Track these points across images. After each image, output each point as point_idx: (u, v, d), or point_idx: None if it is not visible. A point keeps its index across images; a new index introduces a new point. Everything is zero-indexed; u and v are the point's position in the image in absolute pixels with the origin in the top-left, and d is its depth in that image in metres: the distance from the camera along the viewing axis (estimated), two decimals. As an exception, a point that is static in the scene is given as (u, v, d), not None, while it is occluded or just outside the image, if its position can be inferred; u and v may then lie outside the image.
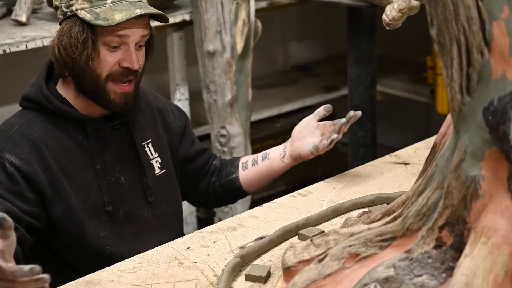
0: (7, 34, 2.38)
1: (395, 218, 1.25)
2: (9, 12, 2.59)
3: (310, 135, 1.85)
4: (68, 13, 1.64)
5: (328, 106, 1.88)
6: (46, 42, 2.34)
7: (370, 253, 1.23)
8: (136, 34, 1.65)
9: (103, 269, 1.49)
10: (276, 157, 1.90)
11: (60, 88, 1.71)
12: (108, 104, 1.68)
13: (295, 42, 4.07)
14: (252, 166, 1.93)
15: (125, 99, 1.69)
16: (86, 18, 1.61)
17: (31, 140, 1.64)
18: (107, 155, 1.72)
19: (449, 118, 1.24)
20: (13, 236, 1.18)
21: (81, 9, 1.62)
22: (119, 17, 1.60)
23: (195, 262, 1.50)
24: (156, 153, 1.81)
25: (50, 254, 1.71)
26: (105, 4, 1.62)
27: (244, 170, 1.95)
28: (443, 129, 1.26)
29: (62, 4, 1.65)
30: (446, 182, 1.13)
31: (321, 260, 1.26)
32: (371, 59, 2.75)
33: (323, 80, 3.78)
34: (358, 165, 2.02)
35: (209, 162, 1.98)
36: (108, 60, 1.65)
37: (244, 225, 1.65)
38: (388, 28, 2.06)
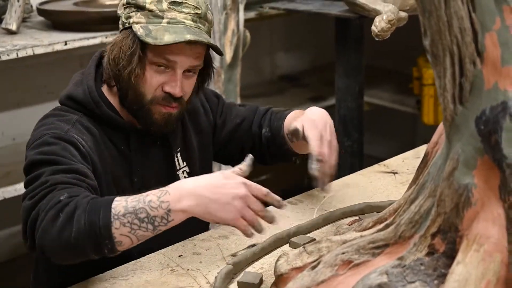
0: (-3, 42, 2.39)
1: (387, 226, 1.27)
2: (-1, 20, 2.60)
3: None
4: (126, 24, 1.60)
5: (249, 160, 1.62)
6: (37, 50, 2.36)
7: (363, 260, 1.24)
8: (184, 61, 1.60)
9: (95, 276, 1.49)
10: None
11: (106, 92, 1.67)
12: (150, 123, 1.64)
13: (282, 53, 4.10)
14: (292, 143, 1.82)
15: (166, 120, 1.64)
16: (138, 33, 1.57)
17: (92, 133, 1.61)
18: (145, 168, 1.69)
19: (440, 127, 1.27)
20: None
21: (137, 23, 1.58)
22: (167, 38, 1.55)
23: (188, 269, 1.51)
24: (184, 162, 1.78)
25: None
26: (160, 23, 1.58)
27: (292, 142, 1.81)
28: (434, 138, 1.28)
29: (123, 15, 1.62)
30: (439, 190, 1.15)
31: (314, 267, 1.27)
32: (359, 69, 2.78)
33: (310, 90, 3.80)
34: (345, 174, 2.04)
35: (255, 131, 1.88)
36: (153, 81, 1.60)
37: (236, 233, 1.66)
38: (377, 39, 2.09)
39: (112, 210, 1.35)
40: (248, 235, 1.41)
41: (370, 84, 3.61)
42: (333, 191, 1.85)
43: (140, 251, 1.57)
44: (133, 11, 1.60)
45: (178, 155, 1.77)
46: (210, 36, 1.65)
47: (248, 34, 2.78)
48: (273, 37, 4.02)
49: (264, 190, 1.42)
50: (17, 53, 2.30)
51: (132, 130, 1.67)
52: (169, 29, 1.57)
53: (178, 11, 1.58)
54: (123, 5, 1.63)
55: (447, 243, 1.15)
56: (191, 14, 1.59)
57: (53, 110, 1.67)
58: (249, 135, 1.90)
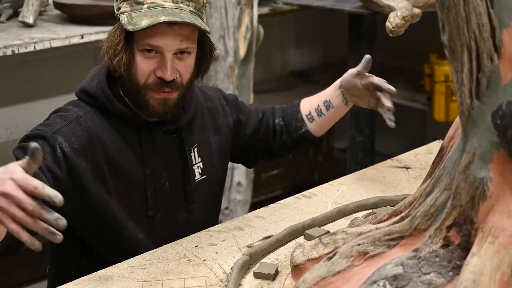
0: (15, 35, 2.41)
1: (402, 218, 1.29)
2: (15, 13, 2.63)
3: (362, 96, 1.86)
4: (118, 16, 1.62)
5: (368, 61, 1.85)
6: (54, 43, 2.38)
7: (378, 252, 1.26)
8: (170, 44, 1.59)
9: (114, 265, 1.52)
10: (340, 104, 1.90)
11: (121, 88, 1.69)
12: (147, 110, 1.64)
13: (293, 49, 4.12)
14: (319, 117, 1.93)
15: (164, 106, 1.64)
16: (122, 22, 1.59)
17: (88, 132, 1.62)
18: (157, 161, 1.70)
19: (456, 122, 1.28)
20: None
21: (123, 12, 1.60)
22: (144, 23, 1.56)
23: (204, 260, 1.53)
24: (199, 158, 1.79)
25: (72, 243, 1.70)
26: (142, 9, 1.58)
27: (311, 122, 1.94)
28: (450, 132, 1.30)
29: (115, 6, 1.64)
30: (455, 183, 1.17)
31: (330, 258, 1.29)
32: (372, 65, 2.79)
33: (321, 87, 3.78)
34: (356, 170, 2.06)
35: (272, 124, 1.96)
36: (143, 67, 1.61)
37: (251, 225, 1.68)
38: (391, 35, 2.11)
39: None
40: (28, 243, 1.23)
41: (381, 81, 3.62)
42: (347, 185, 1.88)
43: None
44: (121, 2, 1.62)
45: (195, 150, 1.78)
46: (200, 15, 1.64)
47: (261, 29, 2.80)
48: (284, 33, 4.04)
49: (33, 184, 1.21)
50: (34, 46, 2.33)
51: (144, 123, 1.68)
52: (147, 14, 1.57)
53: None
54: None
55: (462, 236, 1.17)
56: None
57: (66, 104, 1.71)
58: (268, 129, 1.96)
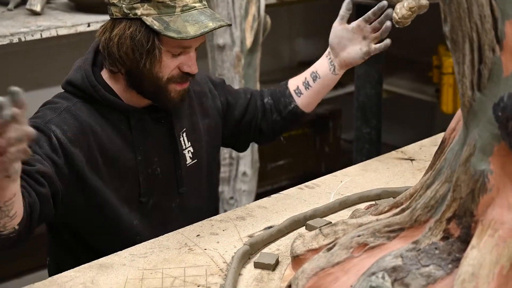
0: (22, 23, 2.42)
1: (403, 210, 1.29)
2: (23, 1, 2.63)
3: (352, 41, 1.85)
4: (130, 15, 1.59)
5: (348, 3, 1.87)
6: (61, 32, 2.38)
7: (378, 243, 1.26)
8: (198, 42, 1.65)
9: (115, 253, 1.52)
10: (327, 73, 1.89)
11: (106, 77, 1.69)
12: (168, 102, 1.67)
13: (302, 39, 4.11)
14: (306, 90, 1.92)
15: (181, 96, 1.69)
16: (155, 27, 1.57)
17: (79, 121, 1.63)
18: (148, 147, 1.72)
19: (458, 114, 1.28)
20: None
21: (147, 15, 1.58)
22: (192, 30, 1.57)
23: (205, 249, 1.53)
24: (189, 142, 1.80)
25: (71, 232, 1.72)
26: (174, 12, 1.58)
27: (299, 96, 1.93)
28: (452, 124, 1.29)
29: (123, 5, 1.59)
30: (455, 176, 1.17)
31: (330, 249, 1.29)
32: (379, 56, 2.77)
33: (329, 77, 3.80)
34: (362, 161, 2.05)
35: (260, 105, 1.96)
36: (170, 65, 1.63)
37: (253, 215, 1.68)
38: (397, 26, 2.09)
39: None
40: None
41: (389, 72, 3.61)
42: (350, 176, 1.87)
43: None
44: (137, 2, 1.58)
45: (184, 135, 1.79)
46: None
47: (268, 19, 2.79)
48: (292, 23, 4.03)
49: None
50: (41, 34, 2.33)
51: (132, 111, 1.70)
52: (187, 19, 1.58)
53: None
54: None
55: (462, 228, 1.17)
56: None
57: (54, 96, 1.71)
58: (257, 109, 1.97)
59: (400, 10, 2.05)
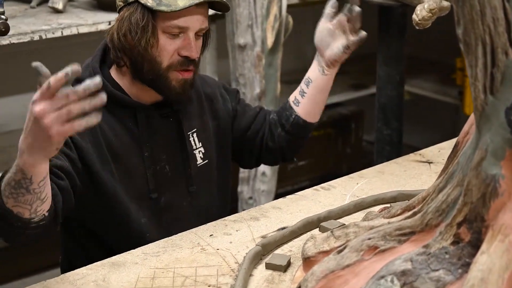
0: (44, 20, 2.43)
1: (415, 214, 1.28)
2: (46, -1, 2.65)
3: (333, 38, 1.85)
4: (129, 0, 1.64)
5: (333, 2, 1.87)
6: (82, 29, 2.40)
7: (388, 247, 1.25)
8: (195, 24, 1.65)
9: (128, 252, 1.53)
10: (317, 75, 1.88)
11: (114, 74, 1.72)
12: (169, 91, 1.67)
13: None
14: (303, 97, 1.91)
15: (184, 86, 1.68)
16: (148, 4, 1.61)
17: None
18: (155, 143, 1.73)
19: (472, 117, 1.26)
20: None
21: None
22: (182, 3, 1.60)
23: (218, 249, 1.53)
24: (200, 143, 1.81)
25: (83, 229, 1.73)
26: None
27: (298, 105, 1.92)
28: (466, 127, 1.28)
29: None
30: (466, 180, 1.15)
31: (340, 251, 1.28)
32: (400, 58, 2.77)
33: (352, 78, 3.79)
34: (382, 163, 2.04)
35: (267, 120, 1.96)
36: (168, 48, 1.64)
37: (267, 216, 1.68)
38: (417, 28, 2.07)
39: (2, 185, 1.38)
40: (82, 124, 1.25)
41: (412, 74, 3.59)
42: (367, 178, 1.86)
43: None
44: None
45: (194, 135, 1.80)
46: None
47: (290, 19, 2.78)
48: (316, 24, 4.01)
49: (46, 84, 1.25)
50: (61, 32, 2.35)
51: (139, 107, 1.71)
52: None
53: None
54: None
55: (472, 233, 1.16)
56: None
57: None
58: (264, 123, 1.96)
59: (421, 12, 2.03)
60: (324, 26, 1.87)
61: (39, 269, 2.69)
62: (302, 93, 1.91)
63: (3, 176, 1.40)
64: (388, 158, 2.67)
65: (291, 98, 1.94)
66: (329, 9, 1.87)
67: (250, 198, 2.84)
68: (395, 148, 2.87)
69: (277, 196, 2.92)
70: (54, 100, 1.24)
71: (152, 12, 1.62)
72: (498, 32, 1.07)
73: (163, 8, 1.60)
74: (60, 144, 1.28)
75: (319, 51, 1.89)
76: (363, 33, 1.86)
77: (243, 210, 2.79)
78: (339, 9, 1.88)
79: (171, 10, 1.60)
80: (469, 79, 1.14)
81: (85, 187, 1.63)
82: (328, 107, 3.57)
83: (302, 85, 1.92)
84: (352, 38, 1.84)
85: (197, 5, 1.63)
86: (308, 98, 1.91)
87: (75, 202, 1.62)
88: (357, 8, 1.83)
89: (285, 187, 3.36)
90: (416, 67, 3.72)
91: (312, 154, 3.53)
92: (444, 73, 3.72)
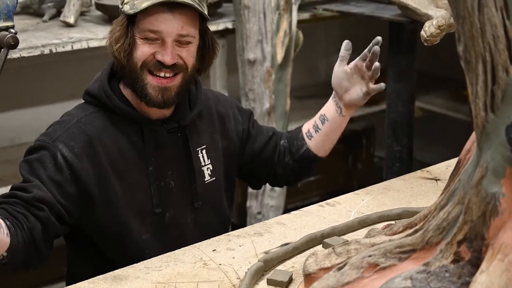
0: (55, 34, 2.45)
1: (416, 231, 1.27)
2: (58, 13, 2.67)
3: (352, 83, 1.84)
4: (121, 9, 1.67)
5: (347, 44, 1.86)
6: (92, 43, 2.42)
7: (389, 264, 1.24)
8: (170, 29, 1.63)
9: (130, 266, 1.53)
10: (334, 115, 1.88)
11: (123, 88, 1.73)
12: (145, 96, 1.67)
13: (338, 55, 4.08)
14: (316, 133, 1.92)
15: (163, 94, 1.67)
16: (125, 10, 1.64)
17: (87, 135, 1.66)
18: (160, 158, 1.72)
19: (474, 135, 1.25)
20: None
21: (126, 3, 1.64)
22: (144, 4, 1.61)
23: (220, 264, 1.53)
24: (209, 160, 1.80)
25: (86, 241, 1.74)
26: None
27: (310, 139, 1.93)
28: (468, 145, 1.27)
29: (119, 5, 1.68)
30: (467, 198, 1.15)
31: (340, 268, 1.28)
32: (411, 74, 2.76)
33: (363, 94, 3.78)
34: (391, 179, 2.03)
35: (278, 145, 1.96)
36: (144, 50, 1.65)
37: (271, 231, 1.68)
38: (426, 44, 2.07)
39: None
40: None
41: (424, 90, 3.58)
42: (372, 195, 1.85)
43: None
44: None
45: (204, 151, 1.80)
46: (204, 7, 1.67)
47: (301, 35, 2.79)
48: (328, 40, 4.02)
49: None
50: (72, 46, 2.37)
51: (146, 122, 1.71)
52: None
53: None
54: None
55: (472, 251, 1.15)
56: None
57: (75, 106, 1.76)
58: (275, 149, 1.97)
59: (429, 28, 2.03)
60: (341, 69, 1.86)
61: (47, 282, 2.69)
62: (317, 129, 1.92)
63: None
64: (398, 175, 2.65)
65: (304, 130, 1.95)
66: (343, 51, 1.86)
67: (259, 213, 2.83)
68: (405, 164, 2.86)
69: (286, 211, 2.91)
70: None
71: (129, 18, 1.64)
72: (499, 49, 1.06)
73: (130, 11, 1.62)
74: None
75: (336, 93, 1.88)
76: (382, 85, 1.87)
77: (251, 225, 2.78)
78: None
79: (134, 12, 1.61)
80: (469, 97, 1.14)
81: (82, 206, 1.65)
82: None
83: (317, 120, 1.92)
84: (372, 86, 1.84)
85: (170, 10, 1.62)
86: (322, 135, 1.92)
87: (75, 220, 1.65)
88: (376, 64, 1.82)
89: (295, 203, 3.35)
90: (428, 83, 3.70)
91: (323, 169, 3.52)
92: (456, 89, 3.70)
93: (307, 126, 1.95)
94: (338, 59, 1.87)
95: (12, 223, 1.52)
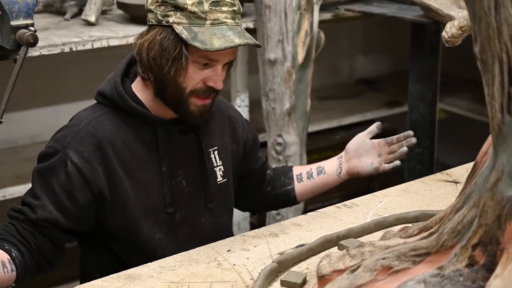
0: (76, 33, 2.46)
1: (431, 234, 1.25)
2: (80, 12, 2.68)
3: (367, 154, 1.90)
4: (163, 22, 1.62)
5: (379, 124, 1.93)
6: (112, 42, 2.42)
7: (403, 267, 1.22)
8: (226, 57, 1.65)
9: (144, 265, 1.52)
10: (332, 172, 1.94)
11: (137, 87, 1.72)
12: (186, 115, 1.68)
13: (361, 56, 4.07)
14: (308, 180, 1.97)
15: (201, 111, 1.68)
16: (183, 36, 1.59)
17: (96, 138, 1.66)
18: (173, 158, 1.73)
19: (491, 137, 1.23)
20: None
21: (178, 23, 1.60)
22: (217, 44, 1.58)
23: (234, 265, 1.52)
24: (221, 161, 1.81)
25: (99, 242, 1.75)
26: (204, 24, 1.60)
27: (299, 182, 1.98)
28: (484, 147, 1.25)
29: (158, 12, 1.63)
30: (482, 201, 1.13)
31: (354, 271, 1.26)
32: (433, 75, 2.73)
33: (386, 95, 3.76)
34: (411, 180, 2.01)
35: (266, 174, 2.01)
36: (195, 77, 1.64)
37: (286, 232, 1.66)
38: (447, 45, 2.05)
39: None
40: None
41: (447, 92, 3.54)
42: (391, 197, 1.83)
43: None
44: (171, 10, 1.61)
45: (216, 153, 1.80)
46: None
47: (322, 35, 2.77)
48: (352, 40, 3.99)
49: None
50: (92, 44, 2.37)
51: (159, 122, 1.71)
52: (215, 32, 1.59)
53: (219, 11, 1.60)
54: (157, 1, 1.63)
55: (487, 256, 1.13)
56: (230, 12, 1.62)
57: (88, 107, 1.76)
58: (262, 175, 2.01)
59: (450, 29, 2.01)
60: (363, 138, 1.92)
61: (60, 282, 2.70)
62: (310, 176, 1.97)
63: None
64: (419, 177, 2.62)
65: (296, 171, 1.99)
66: (373, 128, 1.93)
67: (278, 214, 2.82)
68: (426, 167, 2.82)
69: (306, 211, 2.89)
70: None
71: (185, 43, 1.61)
72: (515, 50, 1.04)
73: (197, 44, 1.58)
74: None
75: (346, 155, 1.93)
76: (398, 162, 1.91)
77: (267, 225, 2.77)
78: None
79: (206, 49, 1.58)
80: (486, 98, 1.12)
81: (98, 210, 1.68)
82: (361, 124, 3.56)
83: (313, 169, 1.96)
84: (386, 165, 1.89)
85: None
86: (312, 184, 1.97)
87: (87, 225, 1.69)
88: (405, 148, 1.90)
89: (315, 204, 3.33)
90: (452, 84, 3.67)
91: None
92: (480, 91, 3.63)
93: (299, 169, 1.99)
94: (366, 130, 1.94)
95: (19, 245, 1.59)
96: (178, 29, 1.60)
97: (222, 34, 1.59)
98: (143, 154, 1.70)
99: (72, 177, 1.64)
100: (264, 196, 2.00)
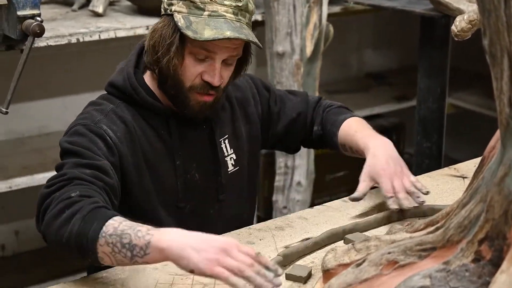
0: (83, 24, 2.45)
1: (437, 229, 1.24)
2: (87, 3, 2.67)
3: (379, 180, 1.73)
4: (168, 11, 1.61)
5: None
6: (119, 33, 2.41)
7: (408, 262, 1.22)
8: (224, 52, 1.60)
9: (149, 257, 1.51)
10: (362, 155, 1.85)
11: (148, 78, 1.70)
12: (184, 108, 1.66)
13: (371, 50, 4.05)
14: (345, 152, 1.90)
15: (201, 108, 1.66)
16: (179, 24, 1.58)
17: (125, 122, 1.64)
18: (186, 151, 1.71)
19: (498, 132, 1.22)
20: None
21: (178, 12, 1.59)
22: (207, 34, 1.55)
23: (239, 258, 1.51)
24: (232, 149, 1.79)
25: None
26: (201, 15, 1.58)
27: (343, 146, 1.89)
28: (492, 142, 1.24)
29: (165, 1, 1.63)
30: (489, 196, 1.12)
31: (359, 265, 1.26)
32: (442, 70, 2.72)
33: (395, 90, 3.75)
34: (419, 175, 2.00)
35: (306, 125, 1.92)
36: (191, 70, 1.61)
37: (292, 226, 1.66)
38: (456, 39, 2.03)
39: (104, 227, 1.35)
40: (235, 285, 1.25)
41: (456, 86, 3.52)
42: (397, 191, 1.82)
43: None
44: None
45: (226, 142, 1.77)
46: (251, 26, 1.64)
47: (331, 28, 2.76)
48: (361, 34, 3.97)
49: (254, 252, 1.28)
50: (99, 35, 2.36)
51: (171, 115, 1.69)
52: (209, 23, 1.57)
53: (220, 4, 1.58)
54: None
55: (494, 251, 1.12)
56: (232, 7, 1.59)
57: (97, 98, 1.72)
58: (304, 129, 1.93)
59: (460, 23, 1.99)
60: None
61: (69, 273, 2.69)
62: (347, 151, 1.89)
63: (113, 219, 1.37)
64: (428, 172, 2.61)
65: (340, 140, 1.87)
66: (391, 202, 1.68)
67: (285, 207, 2.81)
68: (435, 161, 2.81)
69: (314, 205, 2.88)
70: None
71: (181, 32, 1.59)
72: (525, 43, 1.03)
73: (189, 33, 1.56)
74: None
75: (366, 156, 1.81)
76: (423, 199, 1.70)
77: (273, 219, 2.76)
78: None
79: (195, 38, 1.56)
80: (494, 92, 1.11)
81: (120, 191, 1.62)
82: (369, 118, 3.54)
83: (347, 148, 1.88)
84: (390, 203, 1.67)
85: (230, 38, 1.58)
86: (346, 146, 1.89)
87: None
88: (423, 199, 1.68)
89: (323, 197, 3.32)
90: (461, 79, 3.65)
91: (351, 165, 3.47)
92: (489, 86, 3.62)
93: (342, 139, 1.87)
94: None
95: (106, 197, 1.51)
96: (177, 17, 1.59)
97: (216, 26, 1.57)
98: (159, 146, 1.68)
99: (112, 149, 1.59)
100: (316, 145, 1.96)
